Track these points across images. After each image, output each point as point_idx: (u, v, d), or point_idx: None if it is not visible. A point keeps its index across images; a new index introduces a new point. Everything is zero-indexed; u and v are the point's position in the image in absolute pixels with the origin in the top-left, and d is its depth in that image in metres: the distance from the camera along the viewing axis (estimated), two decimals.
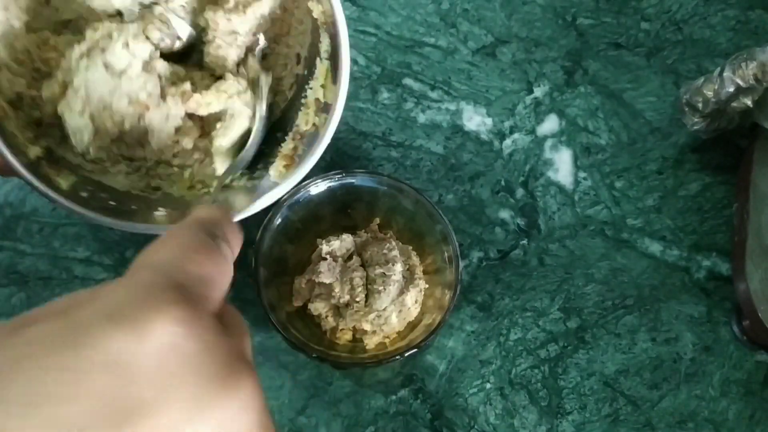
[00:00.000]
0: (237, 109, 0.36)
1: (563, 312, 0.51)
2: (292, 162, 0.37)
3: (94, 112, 0.33)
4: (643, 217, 0.54)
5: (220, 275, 0.24)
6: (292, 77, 0.39)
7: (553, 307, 0.51)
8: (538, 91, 0.57)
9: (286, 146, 0.38)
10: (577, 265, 0.52)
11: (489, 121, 0.56)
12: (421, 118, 0.55)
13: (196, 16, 0.37)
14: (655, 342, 0.50)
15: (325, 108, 0.36)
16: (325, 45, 0.37)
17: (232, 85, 0.36)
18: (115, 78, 0.33)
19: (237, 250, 0.26)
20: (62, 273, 0.50)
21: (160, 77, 0.34)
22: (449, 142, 0.55)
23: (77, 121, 0.33)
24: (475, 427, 0.48)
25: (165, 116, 0.35)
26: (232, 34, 0.37)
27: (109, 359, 0.18)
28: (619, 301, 0.51)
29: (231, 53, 0.37)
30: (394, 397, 0.48)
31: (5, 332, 0.19)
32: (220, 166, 0.37)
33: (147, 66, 0.33)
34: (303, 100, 0.38)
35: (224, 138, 0.36)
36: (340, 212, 0.49)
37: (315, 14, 0.36)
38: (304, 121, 0.38)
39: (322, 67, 0.37)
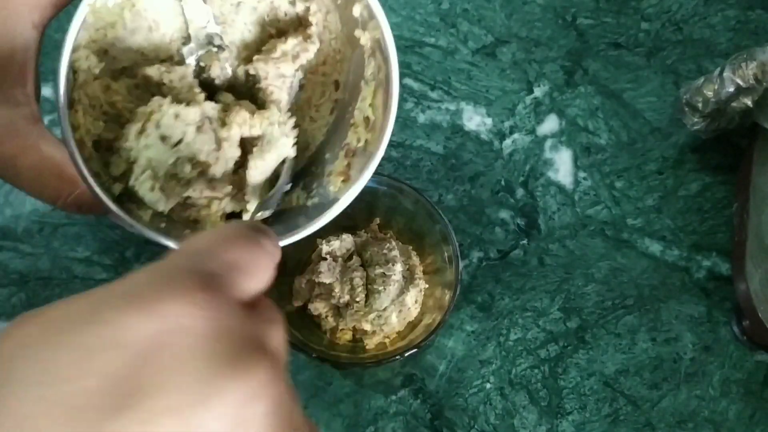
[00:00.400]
0: (275, 135, 0.37)
1: (563, 312, 0.51)
2: (348, 177, 0.38)
3: (163, 185, 0.34)
4: (643, 217, 0.54)
5: (256, 266, 0.23)
6: (331, 103, 0.41)
7: (553, 307, 0.51)
8: (538, 91, 0.57)
9: (340, 163, 0.39)
10: (577, 265, 0.52)
11: (489, 121, 0.56)
12: (421, 118, 0.55)
13: (243, 64, 0.39)
14: (655, 342, 0.50)
15: (375, 124, 0.38)
16: (371, 69, 0.38)
17: (274, 113, 0.37)
18: (175, 149, 0.34)
19: (277, 256, 0.26)
20: (62, 273, 0.50)
21: (210, 120, 0.35)
22: (449, 142, 0.55)
23: (150, 196, 0.34)
24: (475, 427, 0.48)
25: (225, 163, 0.36)
26: (281, 77, 0.38)
27: (120, 338, 0.19)
28: (619, 301, 0.51)
29: (283, 96, 0.39)
30: (394, 397, 0.48)
31: (32, 312, 0.20)
32: (252, 199, 0.37)
33: (199, 128, 0.35)
34: (351, 120, 0.39)
35: (259, 162, 0.37)
36: (340, 213, 0.49)
37: (362, 41, 0.37)
38: (354, 138, 0.39)
39: (368, 88, 0.38)
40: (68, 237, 0.51)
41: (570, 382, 0.49)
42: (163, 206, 0.35)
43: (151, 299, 0.19)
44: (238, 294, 0.22)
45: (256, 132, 0.37)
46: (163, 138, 0.34)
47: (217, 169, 0.36)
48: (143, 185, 0.34)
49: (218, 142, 0.36)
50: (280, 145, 0.37)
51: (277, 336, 0.24)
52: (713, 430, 0.48)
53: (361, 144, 0.39)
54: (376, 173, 0.49)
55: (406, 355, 0.43)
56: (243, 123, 0.36)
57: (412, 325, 0.47)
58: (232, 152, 0.36)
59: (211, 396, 0.19)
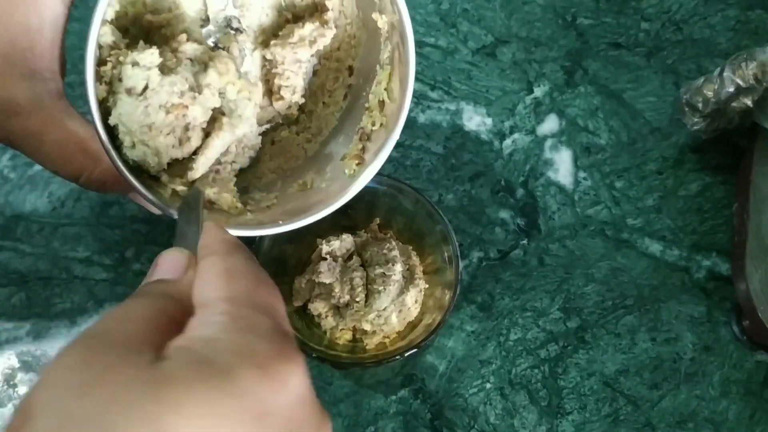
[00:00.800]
0: (246, 114, 0.37)
1: (563, 312, 0.51)
2: (363, 160, 0.38)
3: (143, 139, 0.34)
4: (643, 217, 0.54)
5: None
6: (345, 88, 0.41)
7: (553, 307, 0.51)
8: (538, 91, 0.57)
9: (354, 147, 0.39)
10: (577, 265, 0.52)
11: (489, 121, 0.56)
12: (421, 118, 0.55)
13: (261, 48, 0.39)
14: (655, 342, 0.50)
15: (390, 107, 0.38)
16: (386, 52, 0.38)
17: (257, 92, 0.37)
18: (141, 99, 0.33)
19: None
20: (62, 273, 0.50)
21: (192, 62, 0.35)
22: (449, 142, 0.55)
23: (134, 154, 0.34)
24: (475, 427, 0.48)
25: (206, 107, 0.35)
26: (297, 62, 0.38)
27: (260, 409, 0.20)
28: (619, 301, 0.51)
29: (298, 81, 0.39)
30: (394, 397, 0.48)
31: (134, 364, 0.19)
32: (200, 169, 0.37)
33: (164, 68, 0.34)
34: (366, 104, 0.39)
35: (228, 135, 0.36)
36: (340, 212, 0.48)
37: (380, 24, 0.37)
38: (369, 122, 0.39)
39: (383, 72, 0.38)
40: (68, 237, 0.51)
41: (570, 382, 0.49)
42: (153, 160, 0.34)
43: (280, 370, 0.21)
44: None
45: (230, 92, 0.36)
46: (129, 90, 0.33)
47: (197, 111, 0.35)
48: (125, 142, 0.33)
49: (198, 87, 0.35)
50: (245, 120, 0.37)
51: None
52: (713, 430, 0.48)
53: (376, 127, 0.38)
54: (376, 173, 0.49)
55: (406, 355, 0.43)
56: (224, 73, 0.35)
57: (412, 325, 0.47)
58: (213, 102, 0.36)
59: None
